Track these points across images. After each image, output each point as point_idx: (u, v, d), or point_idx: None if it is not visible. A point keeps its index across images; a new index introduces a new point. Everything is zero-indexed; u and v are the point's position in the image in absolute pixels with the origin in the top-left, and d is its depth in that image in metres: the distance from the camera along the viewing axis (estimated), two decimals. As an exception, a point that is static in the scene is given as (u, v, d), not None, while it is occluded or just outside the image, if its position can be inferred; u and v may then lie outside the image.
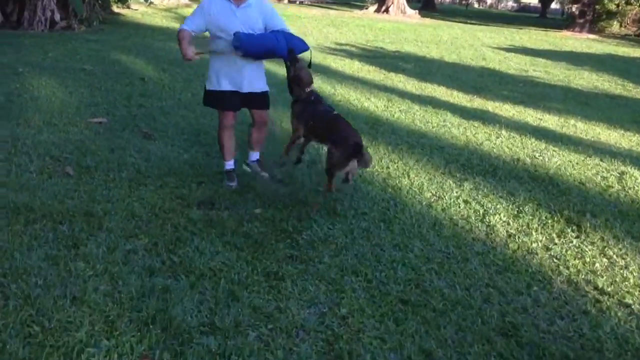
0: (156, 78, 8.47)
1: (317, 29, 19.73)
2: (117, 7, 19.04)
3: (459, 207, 4.51)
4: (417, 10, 33.12)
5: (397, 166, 5.41)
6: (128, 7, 19.76)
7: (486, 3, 64.33)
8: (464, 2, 61.48)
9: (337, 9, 33.67)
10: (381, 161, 5.52)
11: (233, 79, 4.45)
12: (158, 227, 3.67)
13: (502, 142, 6.63)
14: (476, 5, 61.68)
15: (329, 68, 11.34)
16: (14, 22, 13.29)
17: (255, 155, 4.94)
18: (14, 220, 3.53)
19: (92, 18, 14.73)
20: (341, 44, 16.04)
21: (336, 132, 4.29)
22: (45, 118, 5.81)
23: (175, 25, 16.86)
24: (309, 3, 38.26)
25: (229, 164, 4.70)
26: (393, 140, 6.29)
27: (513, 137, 6.89)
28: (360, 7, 34.52)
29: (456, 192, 4.82)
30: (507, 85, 11.12)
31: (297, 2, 37.63)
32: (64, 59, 9.28)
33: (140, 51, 10.97)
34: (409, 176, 5.15)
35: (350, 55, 13.79)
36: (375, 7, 32.73)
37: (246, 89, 4.51)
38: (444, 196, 4.71)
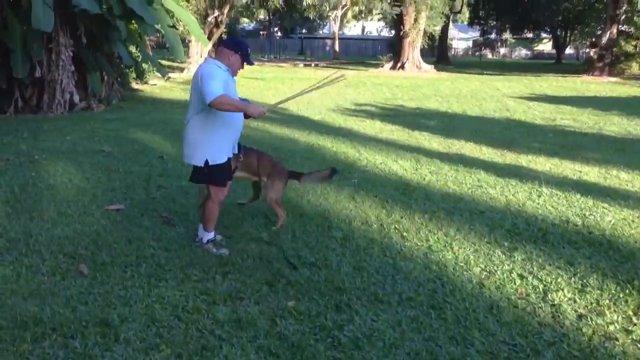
0: (175, 155, 8.21)
1: (334, 91, 19.64)
2: (136, 83, 19.26)
3: (515, 283, 4.04)
4: (432, 65, 33.22)
5: (437, 237, 4.97)
6: (146, 83, 19.99)
7: (499, 53, 64.71)
8: (477, 53, 62.02)
9: (353, 69, 33.93)
10: (419, 233, 5.08)
11: (233, 146, 4.70)
12: (181, 334, 3.25)
13: (545, 201, 6.17)
14: (490, 56, 62.04)
15: (351, 131, 11.07)
16: (34, 106, 13.33)
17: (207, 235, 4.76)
18: (20, 337, 3.15)
19: (111, 97, 14.80)
20: (360, 104, 15.88)
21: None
22: (60, 209, 5.51)
23: (193, 97, 16.91)
24: (325, 65, 38.74)
25: (213, 234, 4.69)
26: (429, 208, 5.87)
27: (556, 194, 6.43)
28: (376, 66, 34.77)
29: (508, 265, 4.35)
30: (537, 137, 10.71)
31: (313, 65, 38.12)
32: (82, 141, 9.12)
33: (159, 127, 10.83)
34: (452, 249, 4.70)
35: (371, 115, 13.56)
36: (390, 64, 32.91)
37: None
38: (495, 271, 4.24)
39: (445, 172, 7.56)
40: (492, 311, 3.61)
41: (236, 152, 4.78)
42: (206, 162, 4.41)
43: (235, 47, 4.44)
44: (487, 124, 12.51)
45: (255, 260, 4.39)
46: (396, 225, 5.28)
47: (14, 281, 3.90)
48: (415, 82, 24.40)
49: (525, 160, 8.54)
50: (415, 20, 30.79)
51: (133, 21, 14.26)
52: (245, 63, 4.51)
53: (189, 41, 25.60)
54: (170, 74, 21.26)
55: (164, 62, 21.28)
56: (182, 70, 26.73)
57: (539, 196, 6.37)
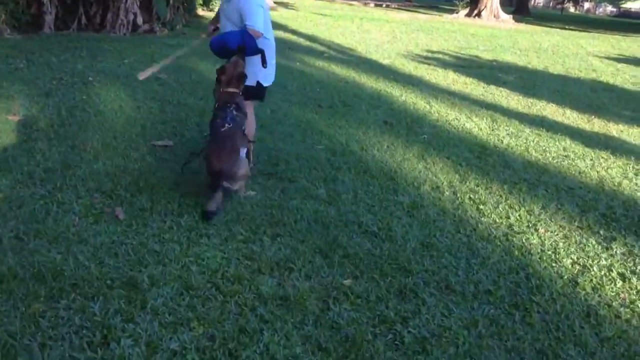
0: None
1: (405, 34, 18.60)
2: (202, 9, 18.67)
3: (615, 284, 3.38)
4: (511, 15, 31.23)
5: (519, 215, 4.30)
6: (212, 10, 19.37)
7: (583, 7, 60.74)
8: (558, 6, 58.41)
9: (426, 13, 32.33)
10: (498, 207, 4.43)
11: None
12: (217, 308, 2.77)
13: (644, 181, 5.37)
14: (572, 10, 58.32)
15: (421, 80, 10.25)
16: (97, 25, 12.98)
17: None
18: (33, 293, 2.73)
19: (175, 21, 14.28)
20: (432, 52, 14.86)
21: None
22: (105, 139, 5.09)
23: (258, 29, 16.24)
24: (396, 6, 37.13)
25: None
26: (508, 177, 5.17)
27: (657, 174, 5.61)
28: (450, 11, 32.99)
29: (605, 260, 3.68)
30: (629, 104, 9.62)
31: (384, 5, 36.60)
32: (140, 66, 8.65)
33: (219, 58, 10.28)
34: (537, 231, 4.04)
35: (444, 64, 12.61)
36: (466, 11, 31.11)
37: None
38: (591, 266, 3.58)
39: (525, 136, 6.77)
40: (590, 320, 2.98)
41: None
42: (258, 82, 4.62)
43: None
44: (571, 84, 11.40)
45: (309, 223, 3.85)
46: (471, 195, 4.63)
47: (41, 220, 3.50)
48: (492, 32, 22.88)
49: (615, 129, 7.61)
50: (499, -35, 28.78)
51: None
52: None
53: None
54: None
55: (231, -11, 20.57)
56: None
57: (637, 175, 5.56)
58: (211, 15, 18.41)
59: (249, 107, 4.61)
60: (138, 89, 7.07)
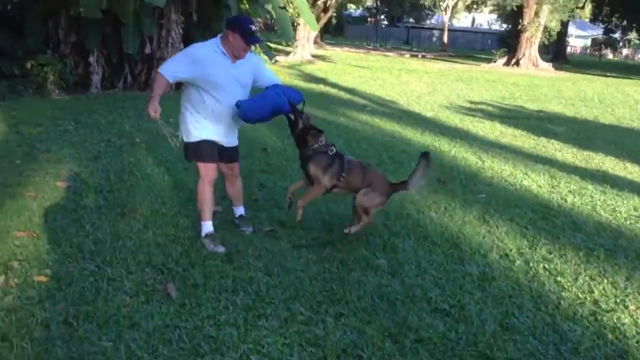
0: (279, 148, 7.54)
1: (445, 85, 18.46)
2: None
3: None
4: (550, 63, 30.93)
5: (603, 289, 3.91)
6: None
7: (621, 53, 60.04)
8: (595, 52, 57.90)
9: (463, 63, 32.31)
10: (577, 279, 4.04)
11: (217, 130, 4.21)
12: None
13: None
14: (610, 56, 57.67)
15: (468, 133, 9.97)
16: (142, 83, 13.16)
17: (240, 210, 4.68)
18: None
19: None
20: (475, 102, 14.62)
21: (374, 178, 4.53)
22: (154, 205, 4.92)
23: (299, 82, 16.31)
24: (432, 56, 37.27)
25: (210, 225, 4.27)
26: (582, 242, 4.79)
27: None
28: (487, 60, 32.91)
29: None
30: (693, 156, 9.14)
31: (419, 56, 36.78)
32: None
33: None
34: (626, 308, 3.64)
35: (489, 116, 12.33)
36: (504, 59, 30.97)
37: (227, 142, 4.34)
38: (698, 353, 3.17)
39: (590, 194, 6.38)
40: None
41: (229, 140, 4.37)
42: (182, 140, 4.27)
43: (234, 25, 4.01)
44: (625, 134, 10.97)
45: (374, 299, 3.55)
46: (545, 265, 4.26)
47: (90, 300, 3.27)
48: (533, 80, 22.60)
49: (685, 185, 7.15)
50: (536, 13, 28.67)
51: (244, 1, 13.79)
52: (247, 43, 4.01)
53: (297, 24, 25.08)
54: (276, 57, 20.80)
55: (270, 44, 20.88)
56: (287, 53, 26.33)
57: None
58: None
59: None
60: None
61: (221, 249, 4.10)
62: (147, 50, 12.24)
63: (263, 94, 4.19)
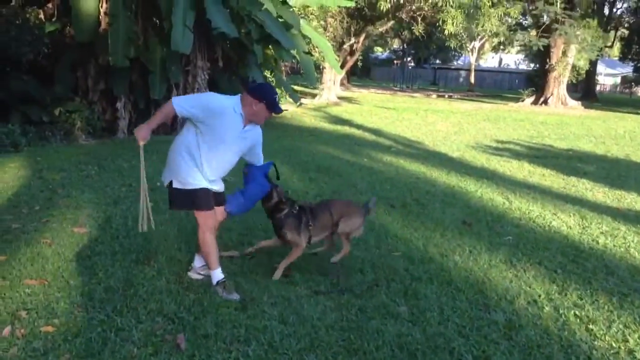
0: (301, 191, 7.45)
1: (472, 125, 18.32)
2: (268, 108, 19.07)
3: None
4: (579, 101, 30.59)
5: (638, 337, 3.66)
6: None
7: (652, 90, 59.19)
8: (626, 90, 57.25)
9: (490, 102, 32.20)
10: (611, 327, 3.80)
11: (210, 177, 4.10)
12: None
13: None
14: (640, 94, 56.90)
15: (495, 173, 9.77)
16: (169, 128, 13.32)
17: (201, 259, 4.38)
18: None
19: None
20: (502, 142, 14.42)
21: (344, 208, 4.73)
22: (170, 252, 4.84)
23: (324, 124, 16.37)
24: (459, 97, 37.26)
25: (220, 272, 4.12)
26: (615, 287, 4.54)
27: None
28: (514, 99, 32.75)
29: None
30: None
31: (446, 96, 36.80)
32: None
33: (286, 156, 10.19)
34: (667, 361, 3.40)
35: (517, 155, 12.11)
36: (532, 99, 30.76)
37: (217, 188, 4.23)
38: None
39: (623, 235, 6.12)
40: None
41: (217, 188, 4.24)
42: (170, 183, 4.09)
43: (260, 95, 4.05)
44: (659, 173, 10.63)
45: (393, 349, 3.37)
46: (576, 312, 4.03)
47: (97, 352, 3.17)
48: (561, 119, 22.31)
49: None
50: (564, 53, 28.53)
51: (270, 46, 13.98)
52: (272, 112, 4.12)
53: (323, 68, 25.36)
54: (302, 100, 20.96)
55: (295, 87, 21.07)
56: (313, 96, 26.56)
57: None
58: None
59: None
60: (205, 193, 6.92)
61: (235, 296, 3.98)
62: (174, 96, 12.42)
63: (251, 195, 4.38)
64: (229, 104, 4.03)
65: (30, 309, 3.63)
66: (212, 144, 3.97)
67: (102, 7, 11.35)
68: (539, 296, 4.30)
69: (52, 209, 5.93)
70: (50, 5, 12.27)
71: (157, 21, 12.43)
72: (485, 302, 4.16)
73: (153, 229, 4.25)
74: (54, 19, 12.35)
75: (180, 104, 3.94)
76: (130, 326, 3.48)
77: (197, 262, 4.39)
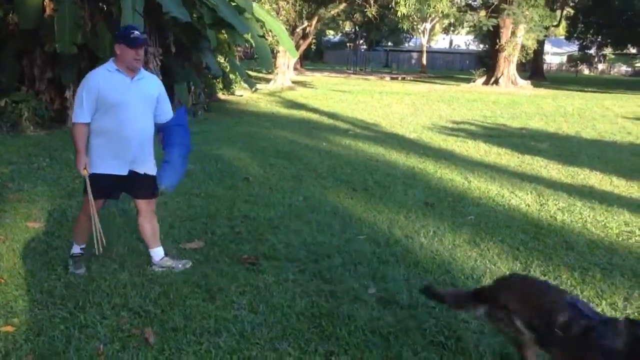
0: (262, 177, 7.37)
1: (426, 106, 18.48)
2: (222, 94, 18.82)
3: None
4: (528, 81, 31.27)
5: (602, 310, 3.75)
6: (233, 94, 19.53)
7: (597, 69, 61.02)
8: (572, 68, 58.83)
9: (442, 84, 32.59)
10: (575, 301, 3.88)
11: (118, 159, 3.95)
12: None
13: None
14: (586, 72, 58.57)
15: (453, 153, 9.89)
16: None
17: (159, 251, 4.25)
18: None
19: (197, 108, 14.28)
20: (457, 122, 14.61)
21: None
22: (131, 243, 4.70)
23: (280, 109, 16.23)
24: (412, 79, 37.55)
25: (80, 247, 4.17)
26: (576, 262, 4.65)
27: None
28: (466, 80, 33.21)
29: None
30: (678, 168, 9.12)
31: (400, 79, 37.04)
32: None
33: (245, 143, 10.06)
34: (629, 331, 3.48)
35: (472, 135, 12.28)
36: (483, 79, 31.26)
37: (139, 169, 4.03)
38: None
39: (579, 211, 6.27)
40: None
41: (132, 171, 4.02)
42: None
43: (117, 38, 3.91)
44: (608, 149, 10.95)
45: (365, 334, 3.36)
46: (541, 287, 4.11)
47: (61, 350, 3.05)
48: (513, 98, 22.75)
49: (673, 198, 7.08)
50: (513, 33, 29.02)
51: (223, 30, 13.72)
52: (132, 46, 3.82)
53: (277, 52, 25.13)
54: (257, 85, 20.76)
55: (250, 72, 20.82)
56: (268, 81, 26.33)
57: None
58: (232, 99, 18.53)
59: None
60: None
61: (81, 270, 4.04)
62: (125, 83, 12.07)
63: (174, 164, 4.15)
64: (101, 68, 3.94)
65: (-13, 310, 3.47)
66: (113, 114, 3.85)
67: (46, -8, 10.89)
68: (504, 273, 4.36)
69: (3, 204, 5.68)
70: (-9, -10, 11.71)
71: (105, 6, 12.02)
72: (452, 282, 4.20)
73: (104, 247, 4.10)
74: (-5, 6, 11.81)
75: (79, 114, 3.83)
76: (95, 322, 3.36)
77: (155, 256, 4.25)
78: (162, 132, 4.15)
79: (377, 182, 7.31)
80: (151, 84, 4.06)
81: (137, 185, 4.08)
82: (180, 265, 4.17)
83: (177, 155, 4.16)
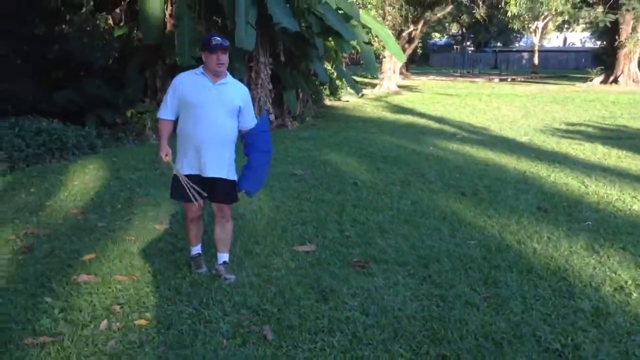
0: (370, 182, 7.46)
1: (538, 108, 17.79)
2: (329, 99, 19.15)
3: None
4: (652, 78, 29.20)
5: None
6: (339, 99, 19.82)
7: None
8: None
9: (556, 84, 31.17)
10: None
11: (191, 159, 4.12)
12: None
13: None
14: None
15: (568, 156, 9.48)
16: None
17: (222, 257, 4.35)
18: None
19: (305, 114, 14.66)
20: (572, 124, 13.96)
21: None
22: (247, 245, 4.96)
23: (387, 114, 16.28)
24: (523, 79, 36.23)
25: (196, 249, 4.43)
26: None
27: None
28: (582, 80, 31.55)
29: None
30: None
31: (509, 80, 35.85)
32: (275, 162, 8.71)
33: (352, 147, 10.21)
34: None
35: (589, 137, 11.70)
36: (600, 78, 29.57)
37: (209, 173, 4.10)
38: None
39: None
40: None
41: (203, 173, 4.11)
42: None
43: (201, 46, 4.08)
44: None
45: (477, 339, 3.35)
46: (667, 298, 3.90)
47: (189, 343, 3.30)
48: (634, 97, 21.36)
49: None
50: (633, 29, 27.25)
51: (330, 38, 14.00)
52: (211, 51, 3.94)
53: (383, 57, 25.18)
54: (363, 90, 20.93)
55: (355, 78, 21.03)
56: (374, 86, 26.44)
57: None
58: (338, 104, 18.80)
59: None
60: (275, 187, 7.04)
61: (202, 269, 4.33)
62: (238, 92, 12.63)
63: (256, 170, 4.28)
64: (190, 71, 4.17)
65: (123, 304, 3.81)
66: (192, 113, 4.02)
67: (167, 9, 11.65)
68: (626, 282, 4.17)
69: (133, 207, 6.17)
70: (118, 10, 12.70)
71: (220, 20, 12.65)
72: (568, 289, 4.07)
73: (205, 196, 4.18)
74: (121, 24, 12.80)
75: (164, 110, 4.13)
76: (218, 318, 3.60)
77: (219, 259, 4.37)
78: (245, 139, 4.29)
79: (486, 187, 7.18)
80: (235, 91, 4.16)
81: (214, 188, 4.15)
82: (228, 277, 4.21)
83: (259, 162, 4.31)
